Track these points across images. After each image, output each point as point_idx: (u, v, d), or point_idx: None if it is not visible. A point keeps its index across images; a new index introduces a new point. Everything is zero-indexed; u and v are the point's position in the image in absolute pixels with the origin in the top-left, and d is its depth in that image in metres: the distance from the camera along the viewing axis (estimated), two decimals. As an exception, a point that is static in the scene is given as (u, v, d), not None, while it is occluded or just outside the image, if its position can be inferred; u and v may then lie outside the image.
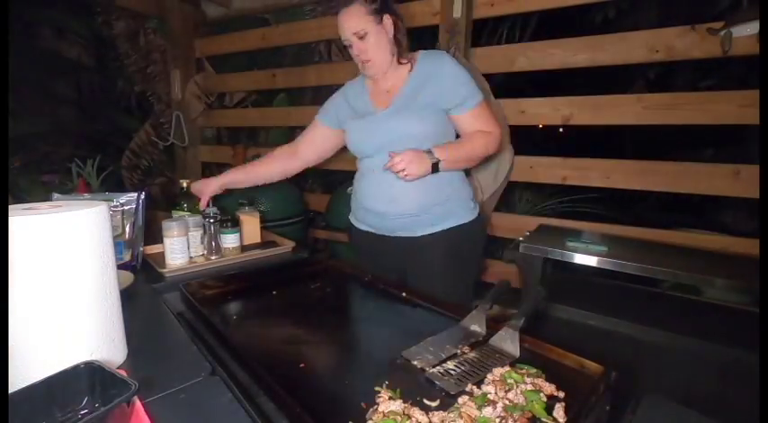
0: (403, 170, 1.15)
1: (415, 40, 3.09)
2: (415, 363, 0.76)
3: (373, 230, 1.40)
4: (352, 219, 1.49)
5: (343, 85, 1.49)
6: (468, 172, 1.43)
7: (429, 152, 1.19)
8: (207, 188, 1.42)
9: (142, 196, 1.31)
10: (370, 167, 1.34)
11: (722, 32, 1.58)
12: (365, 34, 1.23)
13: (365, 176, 1.37)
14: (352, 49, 1.28)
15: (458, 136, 1.34)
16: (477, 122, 1.29)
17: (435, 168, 1.20)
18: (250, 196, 1.66)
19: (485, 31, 3.36)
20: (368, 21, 1.22)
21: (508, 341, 0.81)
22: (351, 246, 1.54)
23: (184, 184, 1.49)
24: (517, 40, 3.25)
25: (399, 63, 1.30)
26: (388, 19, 1.25)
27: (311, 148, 1.51)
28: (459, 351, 0.81)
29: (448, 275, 1.31)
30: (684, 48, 1.76)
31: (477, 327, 0.88)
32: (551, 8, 2.02)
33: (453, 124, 1.32)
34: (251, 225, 1.49)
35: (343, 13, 1.24)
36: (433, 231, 1.30)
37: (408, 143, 1.22)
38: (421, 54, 1.31)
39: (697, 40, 1.72)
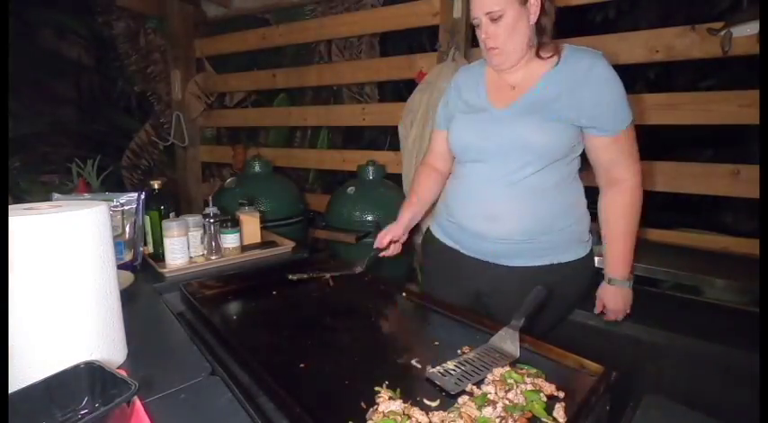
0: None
1: (415, 40, 3.06)
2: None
3: (463, 250, 1.18)
4: (435, 229, 1.28)
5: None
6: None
7: (613, 280, 1.12)
8: (396, 234, 1.24)
9: (142, 196, 1.31)
10: (472, 174, 1.12)
11: (722, 32, 1.58)
12: (500, 16, 0.97)
13: (462, 183, 1.15)
14: (480, 30, 1.03)
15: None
16: (610, 151, 1.02)
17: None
18: (250, 196, 1.66)
19: (485, 31, 3.34)
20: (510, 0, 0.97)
21: (508, 341, 0.81)
22: (425, 257, 1.36)
23: (156, 186, 1.35)
24: (517, 40, 3.24)
25: (538, 56, 1.03)
26: (539, 1, 0.99)
27: (446, 160, 1.28)
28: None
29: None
30: (684, 48, 1.75)
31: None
32: (551, 8, 2.02)
33: (584, 139, 1.06)
34: (251, 225, 1.49)
35: None
36: (536, 264, 1.08)
37: (525, 154, 1.02)
38: (568, 49, 1.04)
39: (697, 40, 1.72)
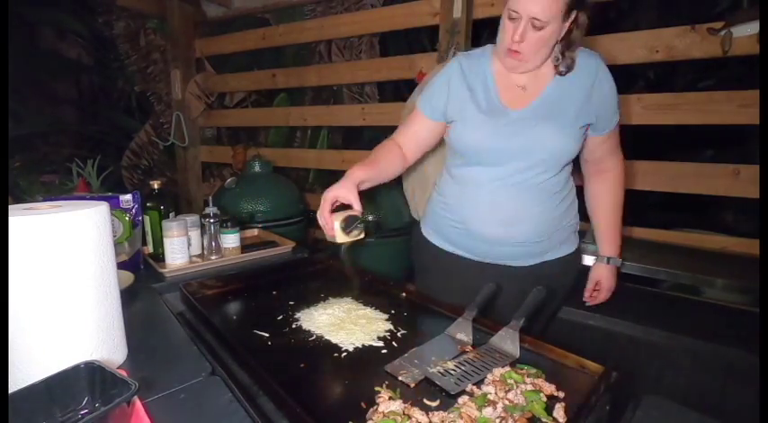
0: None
1: (415, 40, 3.06)
2: (401, 378, 0.73)
3: (469, 256, 1.16)
4: (429, 233, 1.24)
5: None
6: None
7: (607, 259, 1.20)
8: (351, 193, 1.02)
9: (137, 197, 1.31)
10: (480, 178, 1.08)
11: (722, 32, 1.58)
12: (542, 27, 0.94)
13: (469, 189, 1.11)
14: (511, 25, 0.97)
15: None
16: (603, 148, 1.11)
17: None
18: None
19: (485, 31, 3.35)
20: (557, 12, 0.93)
21: (508, 341, 0.81)
22: (418, 258, 1.32)
23: (155, 186, 1.36)
24: (517, 40, 3.24)
25: (556, 68, 1.04)
26: (575, 17, 0.98)
27: (415, 144, 1.17)
28: (443, 364, 0.76)
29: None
30: (684, 48, 1.75)
31: (463, 335, 0.85)
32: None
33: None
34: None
35: None
36: (541, 261, 1.12)
37: (543, 158, 1.03)
38: (577, 53, 1.04)
39: (697, 40, 1.72)
